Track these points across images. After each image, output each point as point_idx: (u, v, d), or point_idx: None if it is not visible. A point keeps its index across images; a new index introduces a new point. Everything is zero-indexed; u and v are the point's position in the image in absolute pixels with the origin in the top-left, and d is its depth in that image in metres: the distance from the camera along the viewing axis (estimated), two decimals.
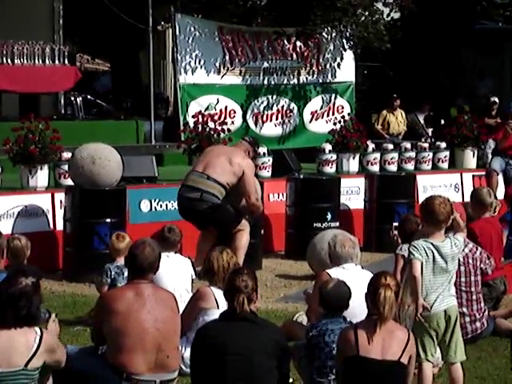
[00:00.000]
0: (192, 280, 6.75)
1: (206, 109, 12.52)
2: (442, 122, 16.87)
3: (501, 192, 11.86)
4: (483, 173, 12.31)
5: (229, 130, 11.58)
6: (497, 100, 14.17)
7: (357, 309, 5.06)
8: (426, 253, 5.33)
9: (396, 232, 6.82)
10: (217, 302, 5.63)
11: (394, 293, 4.63)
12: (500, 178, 12.04)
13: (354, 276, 5.78)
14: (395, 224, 7.06)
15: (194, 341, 4.77)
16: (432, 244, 5.35)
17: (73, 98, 15.15)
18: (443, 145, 12.88)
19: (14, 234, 7.45)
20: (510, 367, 6.09)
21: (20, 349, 4.31)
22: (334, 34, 13.60)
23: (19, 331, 4.34)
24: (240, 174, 8.39)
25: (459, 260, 6.57)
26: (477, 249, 6.92)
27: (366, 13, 13.61)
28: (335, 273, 5.85)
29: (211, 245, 8.34)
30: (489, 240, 7.50)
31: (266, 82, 13.36)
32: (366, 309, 4.73)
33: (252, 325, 4.64)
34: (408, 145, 12.66)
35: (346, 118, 12.73)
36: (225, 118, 12.59)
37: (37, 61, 13.30)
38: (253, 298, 4.69)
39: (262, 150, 11.40)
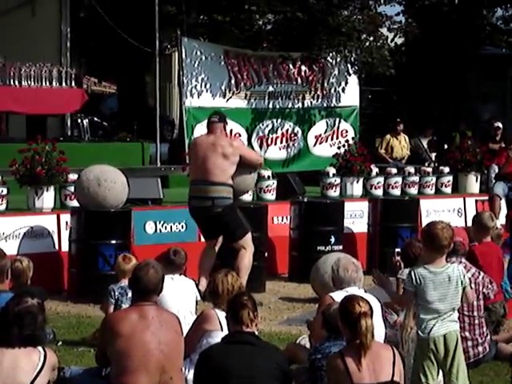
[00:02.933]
0: (196, 302, 6.79)
1: None
2: (446, 146, 16.93)
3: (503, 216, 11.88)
4: (486, 197, 12.33)
5: None
6: (501, 125, 14.23)
7: None
8: (425, 280, 5.31)
9: (398, 257, 6.85)
10: (221, 325, 5.64)
11: (370, 316, 4.66)
12: (503, 202, 12.07)
13: None
14: (397, 250, 7.09)
15: (198, 363, 4.79)
16: (430, 271, 5.34)
17: (79, 120, 15.23)
18: (446, 169, 12.93)
19: (17, 255, 7.50)
20: None
21: (25, 367, 4.36)
22: (338, 59, 13.69)
23: (23, 351, 4.39)
24: (238, 158, 8.47)
25: None
26: (479, 273, 6.93)
27: (371, 38, 13.74)
28: (338, 296, 5.85)
29: (213, 262, 8.44)
30: (489, 264, 7.52)
31: (270, 105, 13.44)
32: None
33: (255, 348, 4.66)
34: (411, 169, 12.70)
35: (350, 142, 12.78)
36: None
37: (44, 83, 13.41)
38: (256, 316, 4.73)
39: (267, 173, 11.47)
